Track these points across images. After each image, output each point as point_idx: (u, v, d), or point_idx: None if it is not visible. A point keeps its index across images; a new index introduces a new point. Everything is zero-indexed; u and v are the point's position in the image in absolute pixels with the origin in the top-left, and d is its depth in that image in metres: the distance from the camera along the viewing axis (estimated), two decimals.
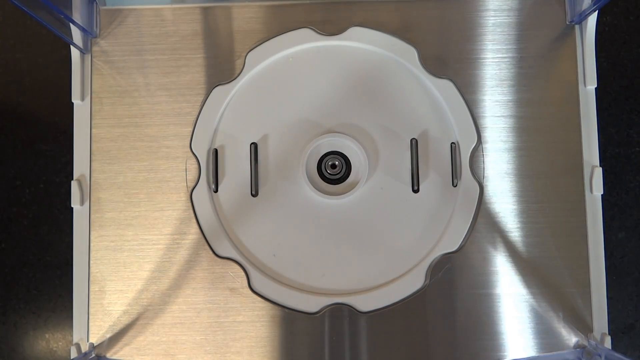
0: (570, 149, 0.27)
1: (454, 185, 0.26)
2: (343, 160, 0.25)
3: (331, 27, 0.27)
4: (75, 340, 0.26)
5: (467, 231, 0.25)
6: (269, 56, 0.25)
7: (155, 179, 0.26)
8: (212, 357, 0.26)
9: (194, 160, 0.26)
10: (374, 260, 0.25)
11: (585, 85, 0.27)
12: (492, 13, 0.27)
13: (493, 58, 0.27)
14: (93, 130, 0.26)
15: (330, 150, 0.25)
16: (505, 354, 0.26)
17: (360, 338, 0.26)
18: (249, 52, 0.26)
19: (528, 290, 0.26)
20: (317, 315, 0.26)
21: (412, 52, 0.26)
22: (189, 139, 0.26)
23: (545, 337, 0.26)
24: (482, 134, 0.26)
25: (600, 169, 0.27)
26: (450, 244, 0.25)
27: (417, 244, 0.24)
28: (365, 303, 0.26)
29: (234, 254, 0.26)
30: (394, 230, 0.24)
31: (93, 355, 0.26)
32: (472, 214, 0.25)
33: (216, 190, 0.26)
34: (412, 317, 0.26)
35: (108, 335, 0.26)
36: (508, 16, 0.27)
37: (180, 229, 0.26)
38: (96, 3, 0.27)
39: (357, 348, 0.26)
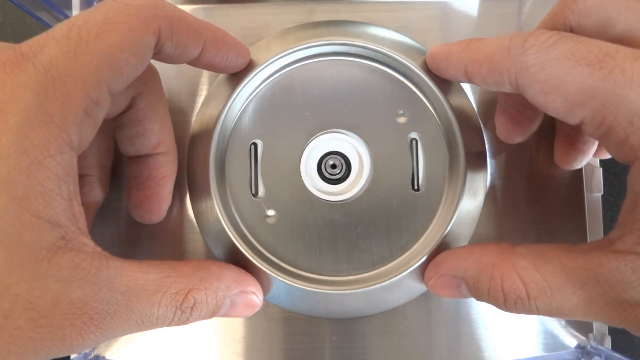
0: None
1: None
2: (343, 160, 0.25)
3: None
4: None
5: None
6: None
7: None
8: (212, 357, 0.26)
9: None
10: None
11: None
12: (492, 12, 0.27)
13: None
14: None
15: (330, 150, 0.25)
16: (505, 354, 0.26)
17: (360, 338, 0.26)
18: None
19: None
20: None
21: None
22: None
23: (545, 338, 0.26)
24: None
25: (600, 169, 0.27)
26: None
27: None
28: None
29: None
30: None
31: (93, 355, 0.26)
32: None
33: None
34: (412, 317, 0.26)
35: None
36: (509, 18, 0.27)
37: (180, 229, 0.26)
38: (96, 3, 0.27)
39: (357, 348, 0.26)
